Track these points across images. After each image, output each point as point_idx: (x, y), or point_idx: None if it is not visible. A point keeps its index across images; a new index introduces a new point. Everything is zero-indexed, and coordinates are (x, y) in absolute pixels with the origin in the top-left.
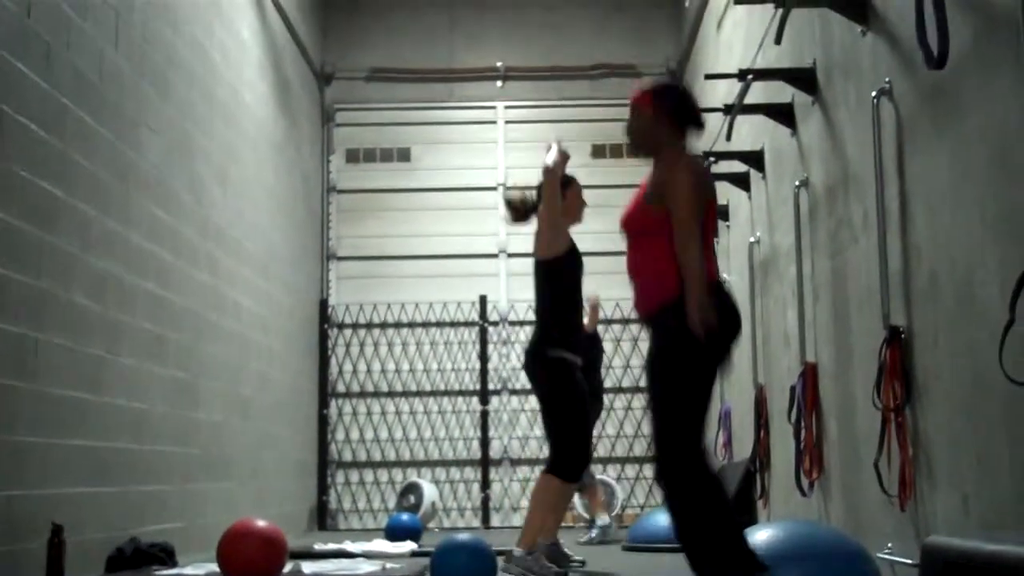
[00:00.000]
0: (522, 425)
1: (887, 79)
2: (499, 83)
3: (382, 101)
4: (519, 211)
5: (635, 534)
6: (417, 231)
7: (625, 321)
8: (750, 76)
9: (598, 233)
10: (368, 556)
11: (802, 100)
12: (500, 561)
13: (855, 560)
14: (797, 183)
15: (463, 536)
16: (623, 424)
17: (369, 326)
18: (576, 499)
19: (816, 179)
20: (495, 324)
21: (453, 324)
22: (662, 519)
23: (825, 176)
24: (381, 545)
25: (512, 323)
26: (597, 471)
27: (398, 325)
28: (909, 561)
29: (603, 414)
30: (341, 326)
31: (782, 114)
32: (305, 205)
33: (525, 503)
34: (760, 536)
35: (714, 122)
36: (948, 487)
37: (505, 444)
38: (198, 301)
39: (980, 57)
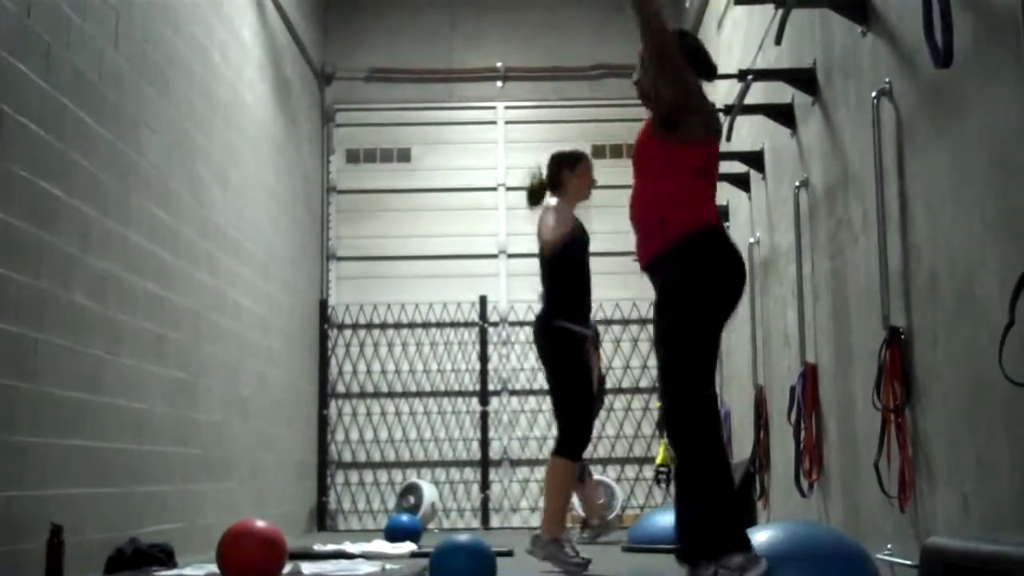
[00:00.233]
0: (522, 426)
1: (887, 79)
2: (499, 83)
3: (382, 101)
4: (537, 194)
5: (635, 535)
6: (417, 231)
7: (625, 321)
8: (750, 76)
9: (599, 233)
10: (368, 557)
11: (802, 100)
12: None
13: (855, 561)
14: (797, 183)
15: (462, 537)
16: (623, 425)
17: (369, 326)
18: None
19: (816, 179)
20: (495, 325)
21: (453, 325)
22: (662, 520)
23: (825, 176)
24: (381, 546)
25: (512, 324)
26: (597, 472)
27: (398, 326)
28: (909, 562)
29: (603, 414)
30: (341, 326)
31: (782, 114)
32: (305, 205)
33: (525, 504)
34: (760, 537)
35: None
36: (948, 488)
37: (505, 445)
38: (198, 301)
39: (980, 57)
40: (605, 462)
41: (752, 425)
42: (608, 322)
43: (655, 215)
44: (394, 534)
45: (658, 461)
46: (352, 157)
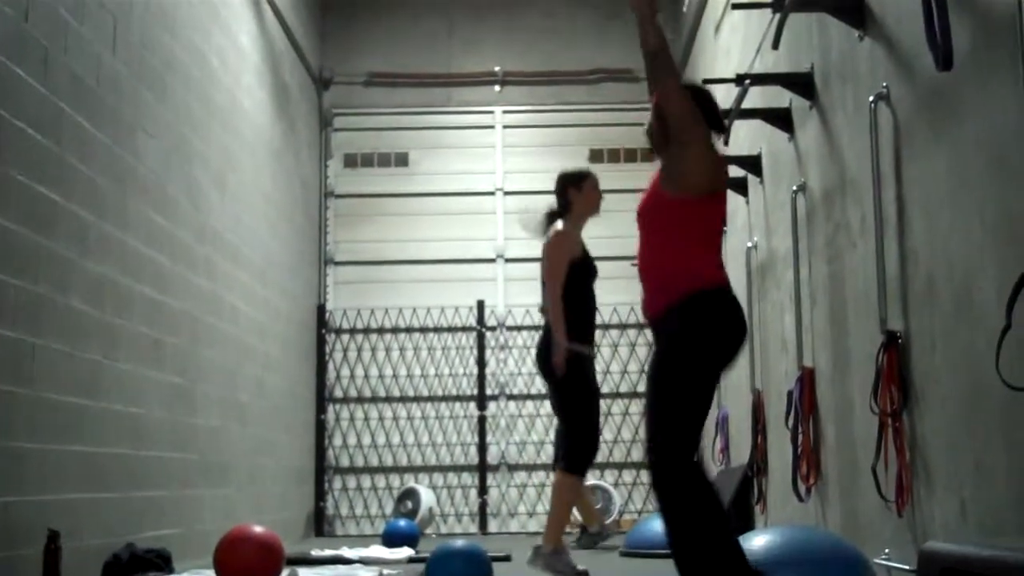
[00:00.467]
0: (519, 430)
1: (884, 84)
2: (497, 88)
3: (380, 106)
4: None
5: (632, 540)
6: (415, 236)
7: (623, 326)
8: (748, 81)
9: (597, 238)
10: (365, 562)
11: (800, 105)
12: (496, 564)
13: (852, 565)
14: (794, 188)
15: (459, 542)
16: (620, 429)
17: (367, 331)
18: None
19: (813, 184)
20: (492, 329)
21: (451, 329)
22: (659, 525)
23: (822, 180)
24: (378, 551)
25: (510, 328)
26: (594, 476)
27: (395, 330)
28: (906, 567)
29: (600, 419)
30: (339, 331)
31: (780, 119)
32: (303, 210)
33: (523, 508)
34: (757, 541)
35: None
36: (946, 492)
37: (502, 449)
38: (196, 306)
39: (978, 61)
40: (602, 467)
41: (750, 429)
42: (606, 326)
43: (662, 272)
44: (392, 539)
45: None
46: (350, 161)
